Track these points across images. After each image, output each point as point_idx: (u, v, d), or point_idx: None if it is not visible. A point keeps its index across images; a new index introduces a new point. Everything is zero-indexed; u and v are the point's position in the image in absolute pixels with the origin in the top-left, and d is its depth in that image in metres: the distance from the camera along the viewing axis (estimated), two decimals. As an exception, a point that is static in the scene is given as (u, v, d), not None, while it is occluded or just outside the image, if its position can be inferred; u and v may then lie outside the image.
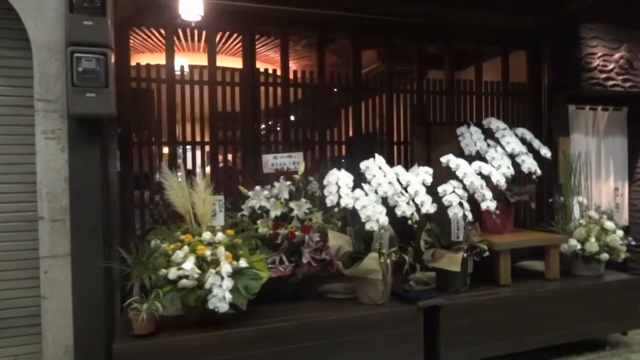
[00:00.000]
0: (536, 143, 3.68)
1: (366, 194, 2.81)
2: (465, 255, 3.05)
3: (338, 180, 2.83)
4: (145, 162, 3.33)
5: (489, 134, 3.63)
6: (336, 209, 2.85)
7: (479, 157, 3.48)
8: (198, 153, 3.78)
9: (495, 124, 3.63)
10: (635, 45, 4.23)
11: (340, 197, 2.75)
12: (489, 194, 3.09)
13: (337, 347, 2.68)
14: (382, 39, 4.03)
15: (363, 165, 2.94)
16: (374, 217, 2.69)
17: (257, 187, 2.99)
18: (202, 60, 3.66)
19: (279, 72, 3.63)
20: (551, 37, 4.25)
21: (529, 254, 3.76)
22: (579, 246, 3.41)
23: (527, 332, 3.16)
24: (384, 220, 2.70)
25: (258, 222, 2.96)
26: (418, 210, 2.88)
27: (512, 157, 3.50)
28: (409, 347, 2.84)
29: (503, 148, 3.49)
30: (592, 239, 3.38)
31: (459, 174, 3.09)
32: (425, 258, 3.08)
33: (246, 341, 2.52)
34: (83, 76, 2.58)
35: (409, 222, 2.79)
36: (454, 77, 4.21)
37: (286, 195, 2.96)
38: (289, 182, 2.98)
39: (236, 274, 2.56)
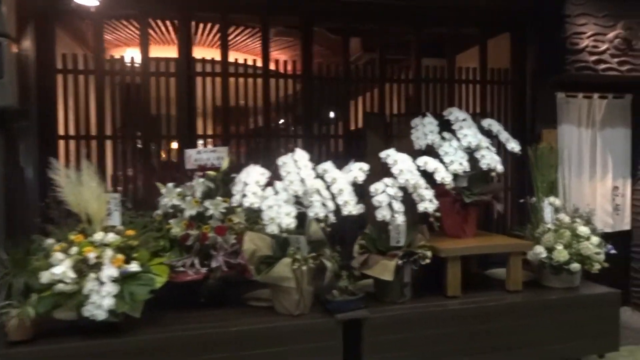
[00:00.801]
0: (504, 136, 3.25)
1: (276, 193, 2.52)
2: (400, 262, 2.70)
3: (247, 177, 2.56)
4: (71, 157, 3.19)
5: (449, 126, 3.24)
6: (239, 209, 2.59)
7: (434, 152, 3.11)
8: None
9: (455, 114, 3.23)
10: (636, 22, 3.66)
11: (244, 195, 2.48)
12: (428, 194, 2.72)
13: (239, 361, 2.43)
14: (339, 24, 3.70)
15: (280, 160, 2.66)
16: (277, 219, 2.40)
17: (169, 184, 2.78)
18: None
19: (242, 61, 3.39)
20: (536, 16, 3.77)
21: (501, 262, 3.33)
22: (544, 254, 2.97)
23: (474, 352, 2.77)
24: (288, 222, 2.41)
25: (170, 221, 2.75)
26: (339, 211, 2.57)
27: (472, 151, 3.11)
28: (326, 364, 2.54)
29: (460, 141, 3.10)
30: (560, 247, 2.93)
31: (395, 170, 2.74)
32: (355, 264, 2.76)
33: (132, 353, 2.31)
34: (-26, 66, 2.47)
35: (322, 224, 2.48)
36: (420, 64, 3.81)
37: (199, 193, 2.73)
38: (202, 179, 2.75)
39: (127, 278, 2.37)
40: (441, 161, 2.98)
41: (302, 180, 2.51)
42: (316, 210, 2.48)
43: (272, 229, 2.41)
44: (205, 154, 2.95)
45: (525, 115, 3.89)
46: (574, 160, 3.95)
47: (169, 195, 2.76)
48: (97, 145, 3.22)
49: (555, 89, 3.90)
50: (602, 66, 3.64)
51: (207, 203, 2.74)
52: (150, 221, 2.79)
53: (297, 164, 2.59)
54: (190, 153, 2.97)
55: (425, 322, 2.71)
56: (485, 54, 3.94)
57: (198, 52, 3.56)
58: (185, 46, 3.31)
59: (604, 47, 3.62)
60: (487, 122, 3.29)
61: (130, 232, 2.55)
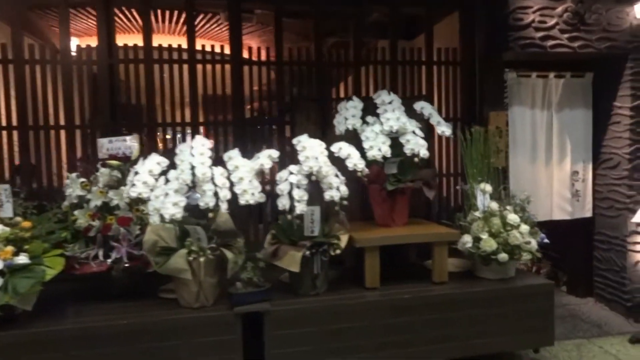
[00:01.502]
0: (435, 119, 3.08)
1: (167, 182, 2.43)
2: (308, 253, 2.58)
3: (141, 166, 2.47)
4: None
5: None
6: (127, 200, 2.51)
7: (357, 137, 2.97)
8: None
9: (382, 97, 3.06)
10: (588, -6, 3.41)
11: (133, 185, 2.40)
12: (335, 182, 2.59)
13: (127, 356, 2.36)
14: (269, 5, 3.54)
15: (177, 149, 2.56)
16: (162, 209, 2.31)
17: (73, 175, 2.72)
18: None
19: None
20: (483, -9, 3.54)
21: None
22: (470, 244, 2.81)
23: (390, 346, 2.64)
24: (173, 212, 2.32)
25: (75, 212, 2.69)
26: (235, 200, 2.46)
27: (398, 136, 2.94)
28: (225, 359, 2.45)
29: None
30: (484, 235, 2.76)
31: (301, 157, 2.61)
32: (262, 255, 2.65)
33: (22, 345, 2.27)
34: None
35: (210, 215, 2.38)
36: (361, 45, 3.63)
37: (100, 183, 2.66)
38: (105, 169, 2.68)
39: (16, 271, 2.33)
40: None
41: (194, 169, 2.40)
42: (206, 200, 2.38)
43: (155, 219, 2.32)
44: (117, 143, 2.87)
45: (476, 97, 3.67)
46: (527, 144, 3.73)
47: (73, 186, 2.70)
48: (18, 136, 3.18)
49: (508, 68, 3.68)
50: (551, 43, 3.40)
51: (111, 193, 2.67)
52: (56, 212, 2.74)
53: (192, 151, 2.48)
54: (102, 142, 2.90)
55: (335, 315, 2.58)
56: (431, 34, 3.72)
57: (128, 40, 3.47)
58: (105, 33, 3.23)
59: (552, 22, 3.38)
60: (420, 105, 3.12)
61: (27, 224, 2.50)
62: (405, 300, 2.69)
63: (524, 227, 2.78)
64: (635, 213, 3.42)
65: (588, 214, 3.89)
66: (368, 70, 3.65)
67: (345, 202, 2.61)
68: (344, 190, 2.62)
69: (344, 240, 2.70)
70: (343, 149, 2.75)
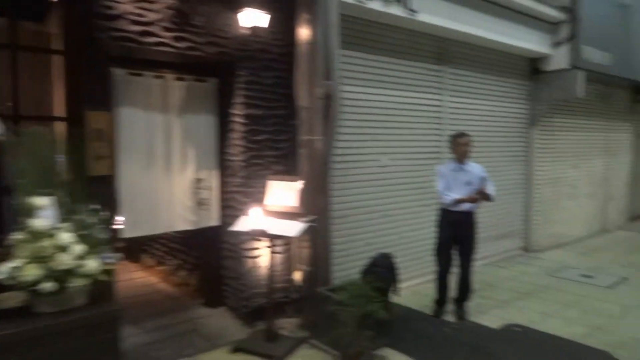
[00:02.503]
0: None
1: None
2: None
3: None
4: None
5: None
6: None
7: None
8: None
9: None
10: (197, -5, 3.27)
11: None
12: None
13: None
14: None
15: None
16: None
17: None
18: None
19: None
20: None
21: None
22: (5, 274, 2.23)
23: None
24: None
25: None
26: None
27: None
28: None
29: None
30: (19, 263, 2.23)
31: None
32: None
33: None
34: None
35: None
36: None
37: None
38: None
39: None
40: None
41: None
42: None
43: None
44: None
45: (78, 93, 3.13)
46: (142, 149, 3.40)
47: None
48: None
49: (122, 65, 3.27)
50: (152, 39, 3.12)
51: None
52: None
53: None
54: None
55: None
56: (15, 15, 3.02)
57: None
58: None
59: (153, 17, 3.11)
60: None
61: None
62: None
63: (79, 248, 2.35)
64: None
65: (215, 222, 3.81)
66: None
67: None
68: None
69: None
70: None
